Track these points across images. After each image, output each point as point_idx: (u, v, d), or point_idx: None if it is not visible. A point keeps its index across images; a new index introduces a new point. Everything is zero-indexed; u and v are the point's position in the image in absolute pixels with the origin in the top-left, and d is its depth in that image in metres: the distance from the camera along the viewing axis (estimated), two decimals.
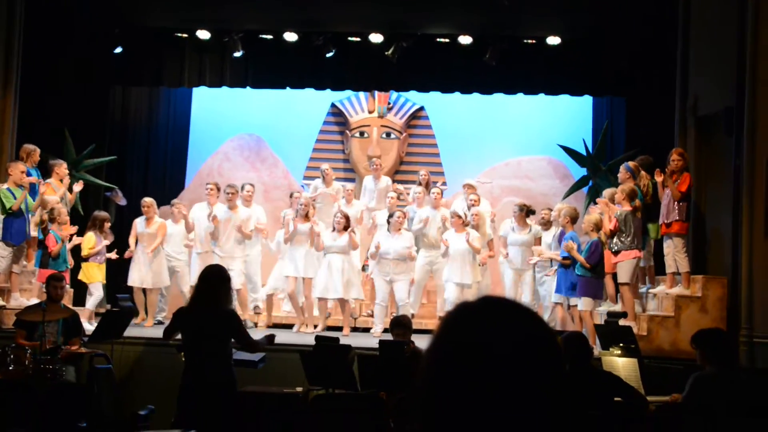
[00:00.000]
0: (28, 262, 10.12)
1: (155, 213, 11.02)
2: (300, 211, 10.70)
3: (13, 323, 8.19)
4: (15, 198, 9.45)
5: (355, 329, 11.00)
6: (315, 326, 10.61)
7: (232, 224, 10.77)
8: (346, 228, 10.53)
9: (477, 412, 1.23)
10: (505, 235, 10.73)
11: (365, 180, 12.67)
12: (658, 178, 9.32)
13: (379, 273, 10.56)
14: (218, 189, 11.12)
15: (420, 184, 11.85)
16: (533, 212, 10.80)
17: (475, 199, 11.15)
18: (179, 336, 6.17)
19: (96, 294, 10.19)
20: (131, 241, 10.91)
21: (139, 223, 10.97)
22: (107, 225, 10.54)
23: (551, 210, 10.85)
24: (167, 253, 11.06)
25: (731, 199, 9.07)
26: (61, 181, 10.54)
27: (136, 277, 10.80)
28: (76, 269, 10.35)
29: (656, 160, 9.75)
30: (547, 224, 10.71)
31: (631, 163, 9.81)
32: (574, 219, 9.94)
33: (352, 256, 10.74)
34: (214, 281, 5.94)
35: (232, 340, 6.05)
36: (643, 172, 9.72)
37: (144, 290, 10.87)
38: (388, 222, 10.78)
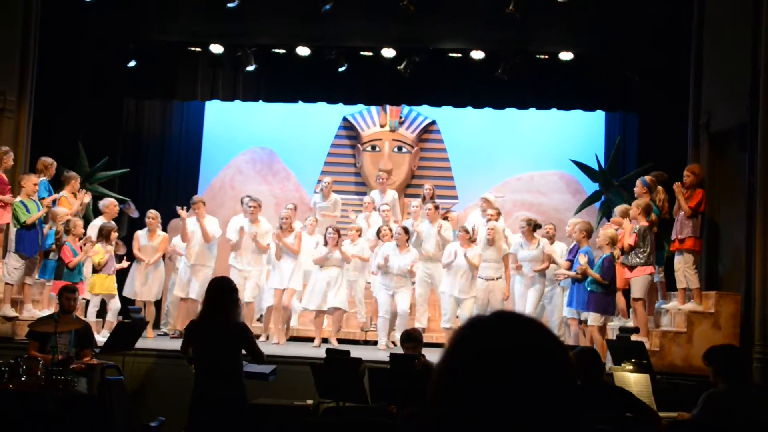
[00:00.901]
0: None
1: (158, 227, 11.08)
2: (283, 225, 10.73)
3: (25, 334, 8.22)
4: (28, 210, 9.50)
5: (366, 342, 11.01)
6: (324, 339, 10.59)
7: (251, 236, 10.78)
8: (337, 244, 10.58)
9: (489, 426, 1.24)
10: (515, 252, 10.70)
11: (372, 194, 12.69)
12: (677, 189, 9.25)
13: (382, 286, 10.59)
14: (260, 206, 11.16)
15: (424, 198, 11.87)
16: (540, 226, 10.77)
17: (493, 214, 11.10)
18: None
19: (114, 307, 10.26)
20: (136, 253, 10.97)
21: (141, 236, 11.05)
22: (114, 235, 10.58)
23: (554, 225, 10.90)
24: (194, 261, 11.06)
25: (745, 215, 9.03)
26: (75, 195, 10.61)
27: (128, 290, 10.92)
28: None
29: (669, 175, 9.71)
30: (551, 239, 10.71)
31: (647, 178, 9.78)
32: (589, 233, 9.91)
33: (349, 268, 10.82)
34: (222, 293, 5.94)
35: (243, 352, 6.06)
36: (660, 188, 9.69)
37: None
38: (377, 235, 10.95)
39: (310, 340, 10.77)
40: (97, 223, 10.77)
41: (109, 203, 10.97)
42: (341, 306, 10.59)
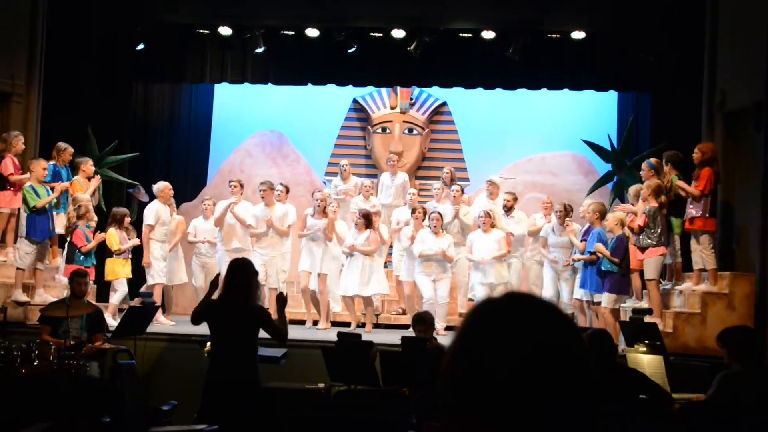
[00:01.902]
0: (52, 259, 10.17)
1: (174, 210, 11.05)
2: (317, 207, 10.68)
3: (37, 319, 8.25)
4: (38, 195, 9.50)
5: (377, 325, 10.99)
6: (331, 323, 10.58)
7: (266, 221, 10.75)
8: (367, 227, 10.49)
9: (501, 406, 1.23)
10: (545, 236, 10.60)
11: (382, 176, 12.64)
12: (680, 184, 9.18)
13: (423, 273, 10.47)
14: (242, 186, 11.14)
15: (444, 181, 11.80)
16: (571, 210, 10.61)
17: (509, 199, 11.02)
18: (203, 329, 6.16)
19: (120, 290, 10.23)
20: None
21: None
22: (127, 220, 10.58)
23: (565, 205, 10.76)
24: (199, 250, 11.06)
25: (759, 195, 8.94)
26: (89, 179, 10.60)
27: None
28: (100, 267, 10.40)
29: (683, 155, 9.61)
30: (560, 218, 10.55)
31: (654, 160, 9.73)
32: (602, 214, 9.82)
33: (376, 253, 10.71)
34: (243, 275, 5.91)
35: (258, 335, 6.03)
36: (666, 168, 9.60)
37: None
38: (412, 219, 10.79)
39: (344, 324, 10.70)
40: (154, 206, 10.74)
41: (164, 187, 10.91)
42: (384, 291, 10.65)
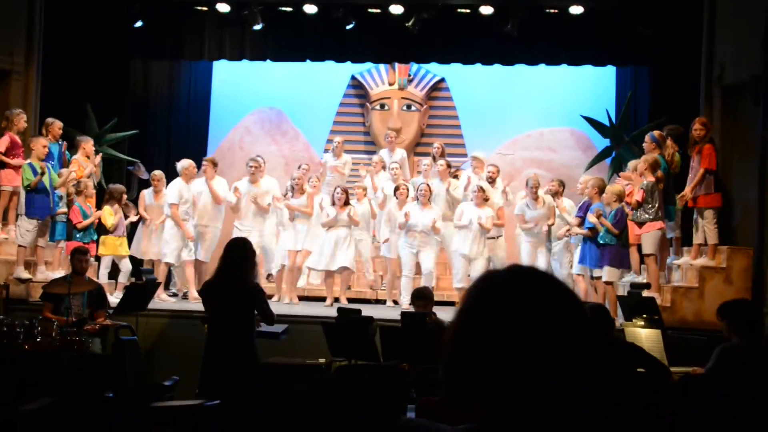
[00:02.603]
0: None
1: (164, 186, 10.99)
2: (295, 186, 10.70)
3: (39, 296, 8.30)
4: (35, 173, 9.50)
5: (377, 301, 11.06)
6: (335, 299, 10.62)
7: (251, 198, 10.77)
8: (346, 203, 10.54)
9: (505, 380, 1.23)
10: (521, 212, 10.61)
11: (381, 152, 12.64)
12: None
13: (406, 245, 10.51)
14: (215, 165, 11.05)
15: (434, 156, 11.81)
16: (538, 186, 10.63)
17: (493, 171, 11.11)
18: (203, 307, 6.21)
19: (125, 269, 10.30)
20: (142, 212, 10.95)
21: (147, 195, 11.00)
22: (125, 198, 10.59)
23: (559, 181, 10.78)
24: (199, 222, 10.95)
25: (758, 169, 8.96)
26: (88, 157, 10.61)
27: (135, 249, 10.86)
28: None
29: (683, 129, 9.62)
30: (556, 195, 10.59)
31: (656, 133, 9.69)
32: (601, 190, 9.82)
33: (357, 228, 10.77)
34: (240, 254, 5.96)
35: (256, 313, 6.09)
36: (669, 142, 9.60)
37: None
38: (395, 194, 10.83)
39: (322, 299, 10.81)
40: (177, 184, 10.68)
41: (189, 165, 10.88)
42: (349, 265, 10.59)
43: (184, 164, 10.88)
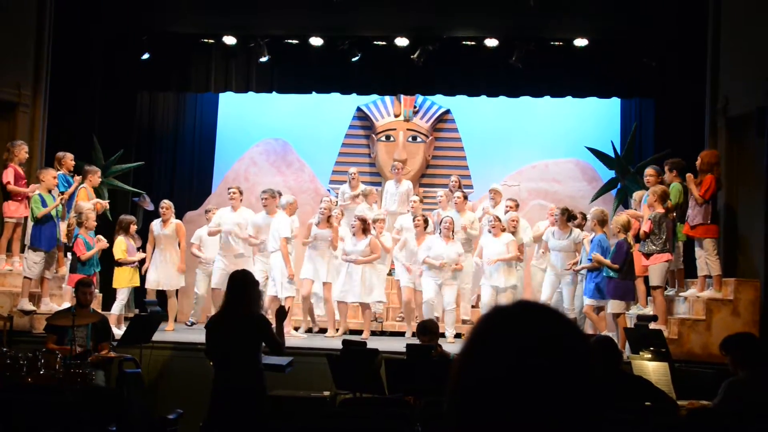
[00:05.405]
0: (59, 267, 10.18)
1: (172, 215, 11.01)
2: (321, 216, 10.63)
3: (43, 328, 8.27)
4: (44, 205, 9.52)
5: (382, 333, 10.99)
6: (336, 330, 10.56)
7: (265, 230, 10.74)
8: (365, 232, 10.49)
9: (510, 416, 1.22)
10: (546, 240, 10.66)
11: (387, 184, 12.66)
12: (689, 179, 9.18)
13: (430, 274, 10.41)
14: (241, 193, 11.15)
15: (450, 189, 11.85)
16: (575, 217, 10.65)
17: (512, 205, 11.19)
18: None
19: (119, 299, 10.24)
20: (149, 247, 10.93)
21: (155, 225, 11.00)
22: (133, 228, 10.61)
23: (585, 215, 10.79)
24: (203, 258, 11.06)
25: (763, 201, 8.94)
26: (94, 189, 10.65)
27: (152, 279, 10.83)
28: (109, 275, 10.41)
29: (686, 162, 9.62)
30: (579, 227, 10.62)
31: (655, 167, 9.80)
32: (602, 222, 9.81)
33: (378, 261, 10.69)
34: (244, 286, 5.95)
35: (263, 344, 6.05)
36: (671, 175, 9.60)
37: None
38: (414, 225, 10.83)
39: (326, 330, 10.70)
40: (286, 220, 10.43)
41: (293, 200, 10.87)
42: (383, 299, 10.69)
43: (289, 200, 10.87)
